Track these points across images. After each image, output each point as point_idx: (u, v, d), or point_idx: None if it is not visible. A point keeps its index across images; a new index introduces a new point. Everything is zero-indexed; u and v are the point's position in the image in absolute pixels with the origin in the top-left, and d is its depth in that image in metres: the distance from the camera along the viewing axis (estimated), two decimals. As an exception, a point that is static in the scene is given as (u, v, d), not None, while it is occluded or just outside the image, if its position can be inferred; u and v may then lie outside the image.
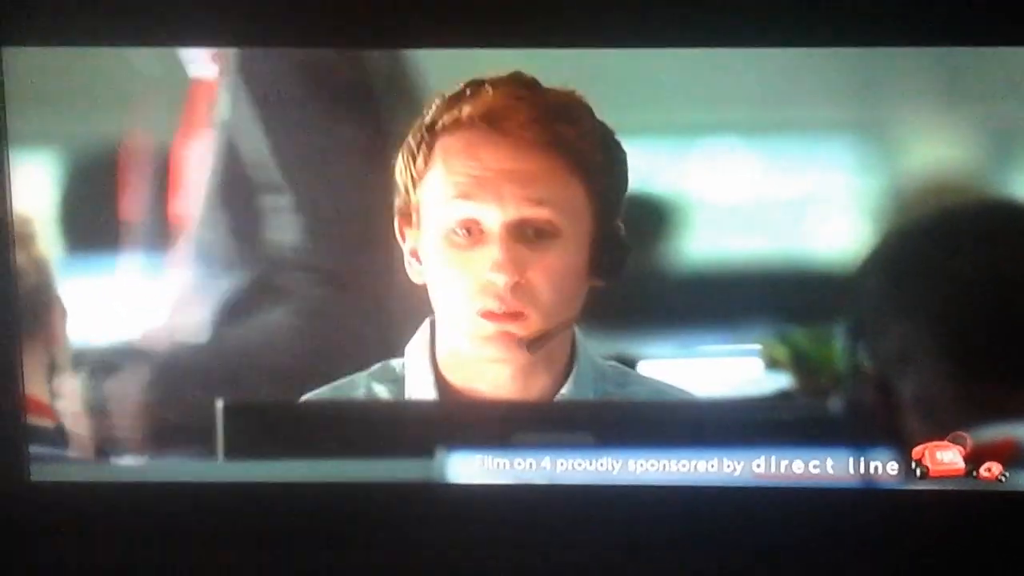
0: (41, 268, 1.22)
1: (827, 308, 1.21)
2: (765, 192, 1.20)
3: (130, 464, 1.24)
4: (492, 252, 1.16)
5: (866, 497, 1.22)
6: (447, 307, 1.19)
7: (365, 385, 1.22)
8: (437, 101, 1.17)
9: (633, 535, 1.22)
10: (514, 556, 1.22)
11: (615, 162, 1.18)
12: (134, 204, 1.21)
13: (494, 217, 1.16)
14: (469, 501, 1.22)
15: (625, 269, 1.19)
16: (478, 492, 1.22)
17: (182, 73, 1.21)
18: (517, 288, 1.16)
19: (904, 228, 1.20)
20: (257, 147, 1.22)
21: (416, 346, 1.21)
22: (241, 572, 1.24)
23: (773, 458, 1.21)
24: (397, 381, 1.22)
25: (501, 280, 1.16)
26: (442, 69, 1.19)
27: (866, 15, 1.15)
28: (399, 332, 1.22)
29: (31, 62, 1.19)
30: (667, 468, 1.21)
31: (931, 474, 1.20)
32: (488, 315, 1.17)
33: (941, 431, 1.19)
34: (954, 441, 1.19)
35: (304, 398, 1.22)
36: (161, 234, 1.22)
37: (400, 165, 1.19)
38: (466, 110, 1.16)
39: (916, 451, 1.20)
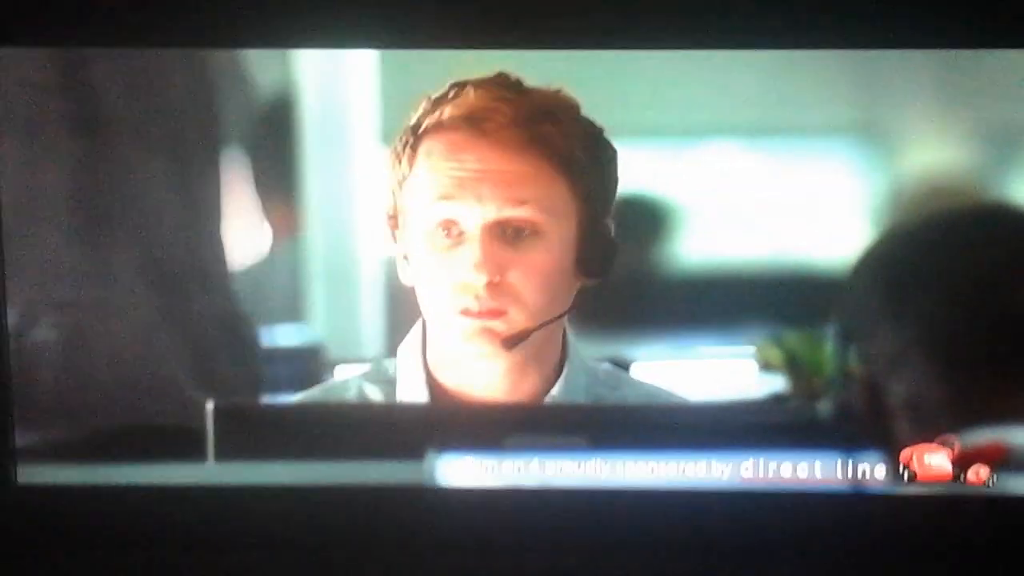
0: None
1: (822, 311, 1.21)
2: (759, 194, 1.21)
3: (119, 466, 1.23)
4: (472, 252, 1.16)
5: (854, 500, 1.22)
6: (432, 307, 1.19)
7: (357, 386, 1.22)
8: (423, 103, 1.17)
9: (624, 538, 1.22)
10: (504, 559, 1.22)
11: (602, 161, 1.18)
12: None
13: (473, 218, 1.16)
14: (459, 504, 1.21)
15: (613, 267, 1.19)
16: (468, 495, 1.21)
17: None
18: (496, 287, 1.16)
19: (896, 232, 1.21)
20: None
21: (408, 347, 1.22)
22: (231, 575, 1.23)
23: (762, 461, 1.21)
24: (389, 382, 1.22)
25: (480, 280, 1.16)
26: (428, 70, 1.19)
27: (862, 16, 1.16)
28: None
29: None
30: (658, 471, 1.22)
31: (919, 478, 1.20)
32: (467, 312, 1.17)
33: (929, 435, 1.20)
34: (942, 445, 1.20)
35: (295, 399, 1.22)
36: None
37: (387, 168, 1.19)
38: (448, 112, 1.16)
39: (904, 455, 1.20)
